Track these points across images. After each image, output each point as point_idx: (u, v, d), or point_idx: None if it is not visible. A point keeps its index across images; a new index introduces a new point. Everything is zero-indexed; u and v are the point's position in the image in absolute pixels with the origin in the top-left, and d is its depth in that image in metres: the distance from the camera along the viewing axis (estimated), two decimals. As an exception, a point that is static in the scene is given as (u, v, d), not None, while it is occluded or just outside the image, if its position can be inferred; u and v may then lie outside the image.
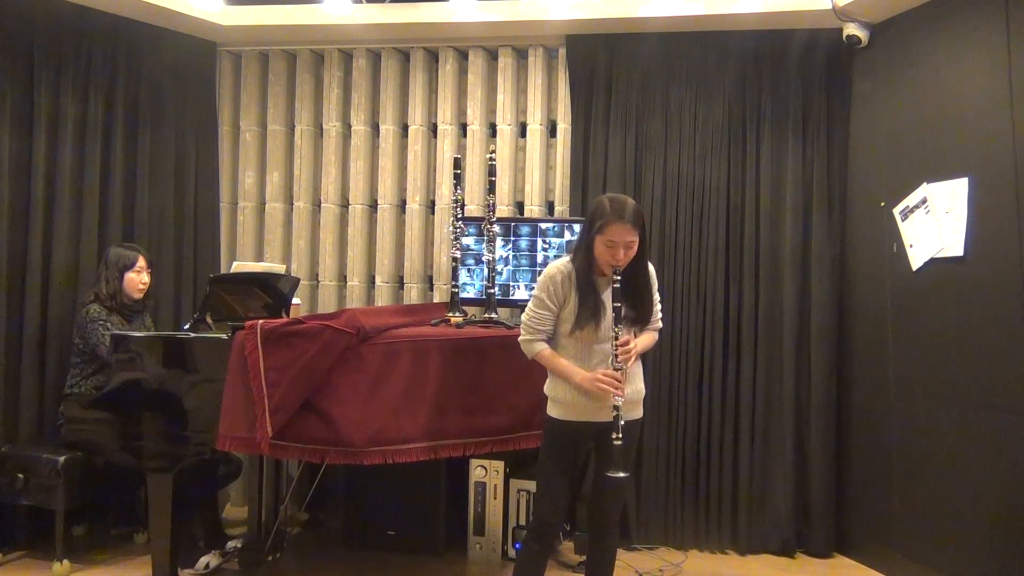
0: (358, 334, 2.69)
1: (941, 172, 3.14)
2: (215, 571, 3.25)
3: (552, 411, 2.45)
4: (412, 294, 4.08)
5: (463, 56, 4.12)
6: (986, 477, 2.90)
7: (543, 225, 3.64)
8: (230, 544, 3.38)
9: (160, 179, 3.94)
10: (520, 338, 2.46)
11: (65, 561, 3.18)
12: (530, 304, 2.44)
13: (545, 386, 2.49)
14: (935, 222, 3.14)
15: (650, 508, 3.71)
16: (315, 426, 2.65)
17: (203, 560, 3.25)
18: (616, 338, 2.32)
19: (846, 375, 3.67)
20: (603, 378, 2.29)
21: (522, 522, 3.42)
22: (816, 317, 3.65)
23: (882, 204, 3.43)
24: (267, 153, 4.26)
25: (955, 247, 3.05)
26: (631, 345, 2.35)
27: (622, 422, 2.27)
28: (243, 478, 3.74)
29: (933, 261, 3.16)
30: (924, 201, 3.21)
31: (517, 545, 3.40)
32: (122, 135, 3.79)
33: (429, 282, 4.13)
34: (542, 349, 2.42)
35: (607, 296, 2.38)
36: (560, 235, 3.60)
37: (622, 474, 2.25)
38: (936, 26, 3.19)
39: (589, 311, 2.35)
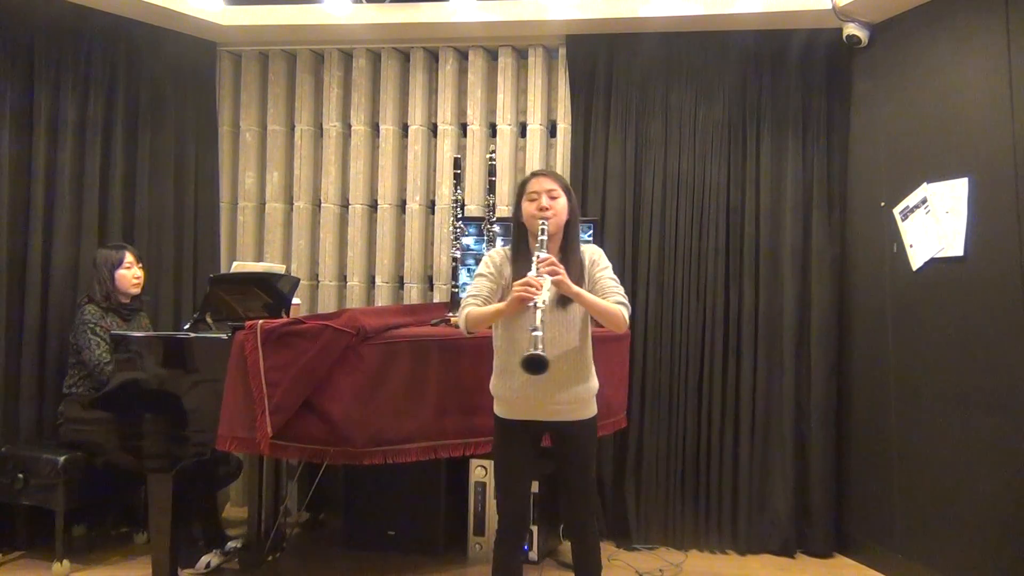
0: (358, 334, 2.69)
1: (941, 172, 3.13)
2: (215, 571, 3.24)
3: (496, 408, 2.43)
4: (412, 294, 4.08)
5: (463, 56, 4.12)
6: (986, 477, 2.90)
7: (543, 225, 3.63)
8: (230, 544, 3.37)
9: (160, 179, 3.94)
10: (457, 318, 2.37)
11: (65, 561, 3.18)
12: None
13: (490, 383, 2.46)
14: (935, 222, 3.14)
15: (650, 508, 3.71)
16: (315, 426, 2.64)
17: (203, 560, 3.25)
18: (539, 259, 2.22)
19: (846, 375, 3.67)
20: (517, 285, 2.18)
21: (522, 522, 3.41)
22: (816, 317, 3.65)
23: (882, 204, 3.43)
24: (267, 153, 4.26)
25: (955, 247, 3.05)
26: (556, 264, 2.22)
27: (539, 310, 2.11)
28: (243, 478, 3.74)
29: (933, 261, 3.16)
30: (924, 201, 3.20)
31: (517, 545, 3.41)
32: (122, 135, 3.79)
33: (429, 282, 4.13)
34: (470, 311, 2.32)
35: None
36: (560, 235, 3.59)
37: (538, 351, 2.06)
38: (936, 26, 3.19)
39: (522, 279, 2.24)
